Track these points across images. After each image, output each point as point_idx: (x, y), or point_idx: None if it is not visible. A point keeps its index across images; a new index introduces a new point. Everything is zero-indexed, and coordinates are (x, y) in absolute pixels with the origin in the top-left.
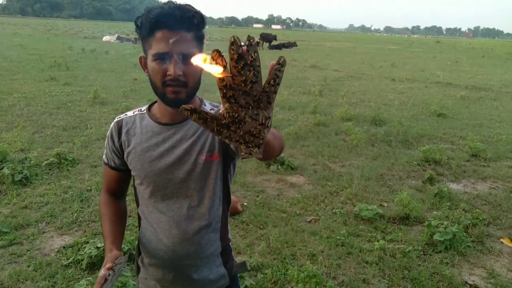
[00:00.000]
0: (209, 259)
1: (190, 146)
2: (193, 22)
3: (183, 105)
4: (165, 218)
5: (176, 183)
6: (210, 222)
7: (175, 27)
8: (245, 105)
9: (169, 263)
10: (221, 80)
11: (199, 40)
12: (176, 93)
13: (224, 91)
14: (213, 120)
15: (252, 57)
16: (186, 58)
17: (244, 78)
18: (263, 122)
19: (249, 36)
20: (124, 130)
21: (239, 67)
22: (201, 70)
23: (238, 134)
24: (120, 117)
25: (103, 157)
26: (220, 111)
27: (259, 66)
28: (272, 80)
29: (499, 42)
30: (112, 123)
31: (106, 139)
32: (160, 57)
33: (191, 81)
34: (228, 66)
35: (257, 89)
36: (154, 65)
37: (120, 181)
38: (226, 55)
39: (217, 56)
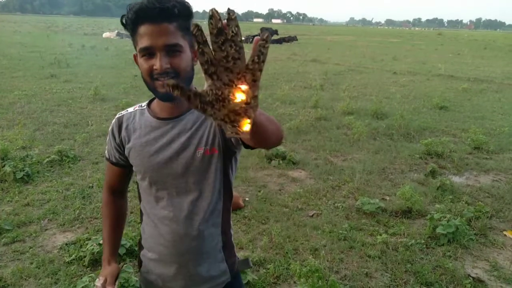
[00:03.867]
0: (210, 254)
1: (188, 140)
2: (174, 12)
3: (167, 80)
4: (165, 213)
5: (175, 178)
6: (211, 217)
7: (156, 19)
8: (228, 83)
9: (170, 257)
10: (202, 54)
11: (185, 30)
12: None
13: (206, 67)
14: (196, 96)
15: (233, 31)
16: (171, 50)
17: (225, 54)
18: (249, 101)
19: (229, 9)
20: (124, 126)
21: (220, 42)
22: (195, 59)
23: (223, 113)
24: (121, 114)
25: (105, 153)
26: (204, 88)
27: (241, 41)
28: (256, 57)
29: (501, 34)
30: (114, 120)
31: (108, 135)
32: (146, 52)
33: (182, 71)
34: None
35: (241, 66)
36: (142, 60)
37: (121, 177)
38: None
39: (196, 30)
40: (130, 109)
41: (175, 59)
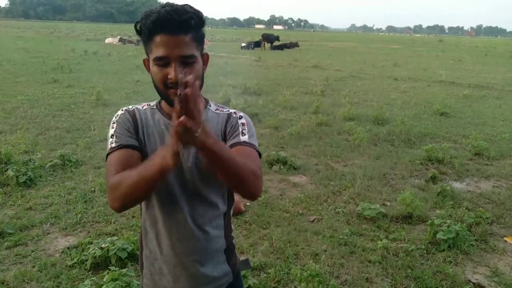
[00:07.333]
0: (214, 255)
1: None
2: (191, 24)
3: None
4: (171, 215)
5: (182, 182)
6: (215, 219)
7: (173, 31)
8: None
9: (174, 259)
10: None
11: (199, 40)
12: None
13: None
14: None
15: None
16: (186, 60)
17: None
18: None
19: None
20: (138, 117)
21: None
22: (204, 70)
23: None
24: (128, 108)
25: (111, 145)
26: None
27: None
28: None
29: (502, 41)
30: (121, 112)
31: (114, 125)
32: (161, 62)
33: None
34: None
35: None
36: (155, 69)
37: (136, 160)
38: None
39: None
40: (138, 106)
41: (189, 70)
